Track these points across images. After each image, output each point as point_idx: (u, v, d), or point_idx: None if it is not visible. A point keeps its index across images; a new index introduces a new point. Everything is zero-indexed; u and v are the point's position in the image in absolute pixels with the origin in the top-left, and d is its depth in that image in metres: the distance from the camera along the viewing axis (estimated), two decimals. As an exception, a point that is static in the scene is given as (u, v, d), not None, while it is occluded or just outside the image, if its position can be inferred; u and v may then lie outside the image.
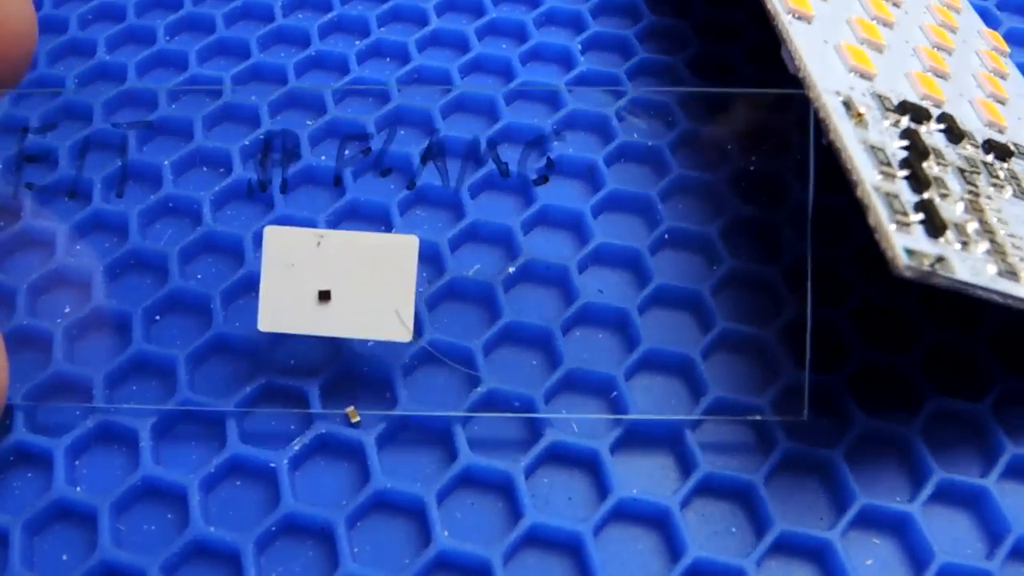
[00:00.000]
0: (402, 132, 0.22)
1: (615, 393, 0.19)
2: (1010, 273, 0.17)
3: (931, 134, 0.19)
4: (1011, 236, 0.18)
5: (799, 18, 0.20)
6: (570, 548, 0.17)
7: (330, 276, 0.18)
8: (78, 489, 0.18)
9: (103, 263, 0.21)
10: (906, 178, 0.17)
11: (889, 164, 0.17)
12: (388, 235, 0.18)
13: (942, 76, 0.21)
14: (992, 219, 0.18)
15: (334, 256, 0.18)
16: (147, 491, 0.18)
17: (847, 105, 0.18)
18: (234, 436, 0.18)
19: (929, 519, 0.17)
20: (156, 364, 0.19)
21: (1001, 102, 0.22)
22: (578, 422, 0.18)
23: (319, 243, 0.18)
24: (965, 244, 0.17)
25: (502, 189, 0.22)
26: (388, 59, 0.25)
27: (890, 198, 0.17)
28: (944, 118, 0.20)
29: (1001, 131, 0.21)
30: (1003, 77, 0.23)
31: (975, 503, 0.18)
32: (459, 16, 0.26)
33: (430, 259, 0.21)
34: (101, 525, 0.17)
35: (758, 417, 0.18)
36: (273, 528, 0.17)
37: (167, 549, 0.17)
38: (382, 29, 0.26)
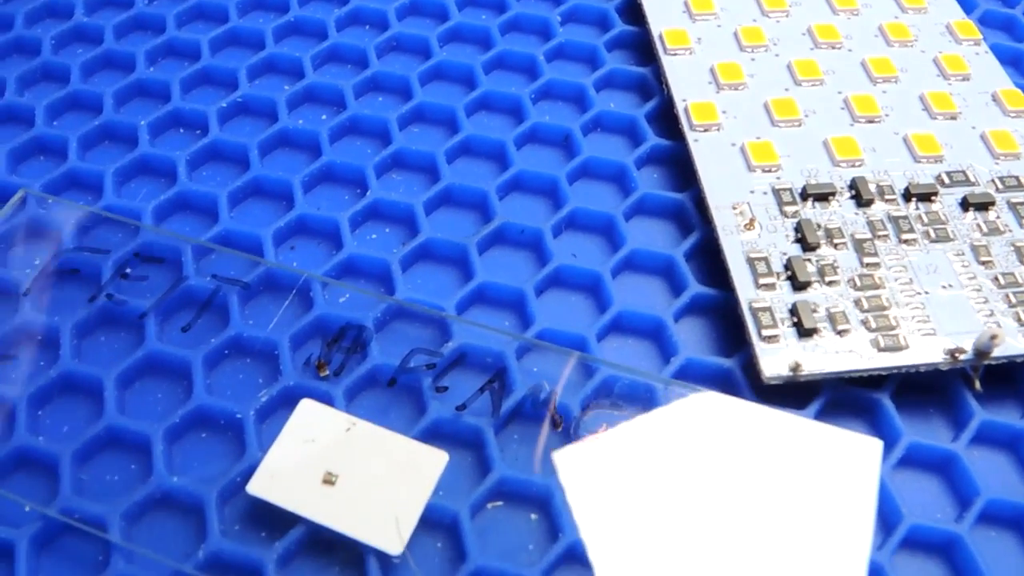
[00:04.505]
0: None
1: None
2: (894, 348, 0.18)
3: (840, 205, 0.20)
4: (908, 302, 0.19)
5: (705, 131, 0.22)
6: (539, 502, 0.17)
7: (344, 463, 0.17)
8: (40, 438, 0.17)
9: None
10: (788, 279, 0.19)
11: (769, 272, 0.19)
12: (420, 444, 0.17)
13: (875, 121, 0.22)
14: (883, 296, 0.19)
15: (358, 446, 0.17)
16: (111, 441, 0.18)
17: (741, 214, 0.20)
18: (200, 388, 0.18)
19: (898, 483, 0.17)
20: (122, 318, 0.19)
21: (952, 118, 0.22)
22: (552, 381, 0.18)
23: (349, 429, 0.17)
24: (843, 332, 0.18)
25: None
26: (349, 65, 0.24)
27: (760, 313, 0.18)
28: (854, 184, 0.20)
29: (939, 160, 0.21)
30: (965, 79, 0.23)
31: (945, 468, 0.18)
32: (421, 20, 0.26)
33: (406, 221, 0.21)
34: (63, 474, 0.17)
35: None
36: (238, 479, 0.17)
37: (129, 498, 0.17)
38: (339, 33, 0.25)
